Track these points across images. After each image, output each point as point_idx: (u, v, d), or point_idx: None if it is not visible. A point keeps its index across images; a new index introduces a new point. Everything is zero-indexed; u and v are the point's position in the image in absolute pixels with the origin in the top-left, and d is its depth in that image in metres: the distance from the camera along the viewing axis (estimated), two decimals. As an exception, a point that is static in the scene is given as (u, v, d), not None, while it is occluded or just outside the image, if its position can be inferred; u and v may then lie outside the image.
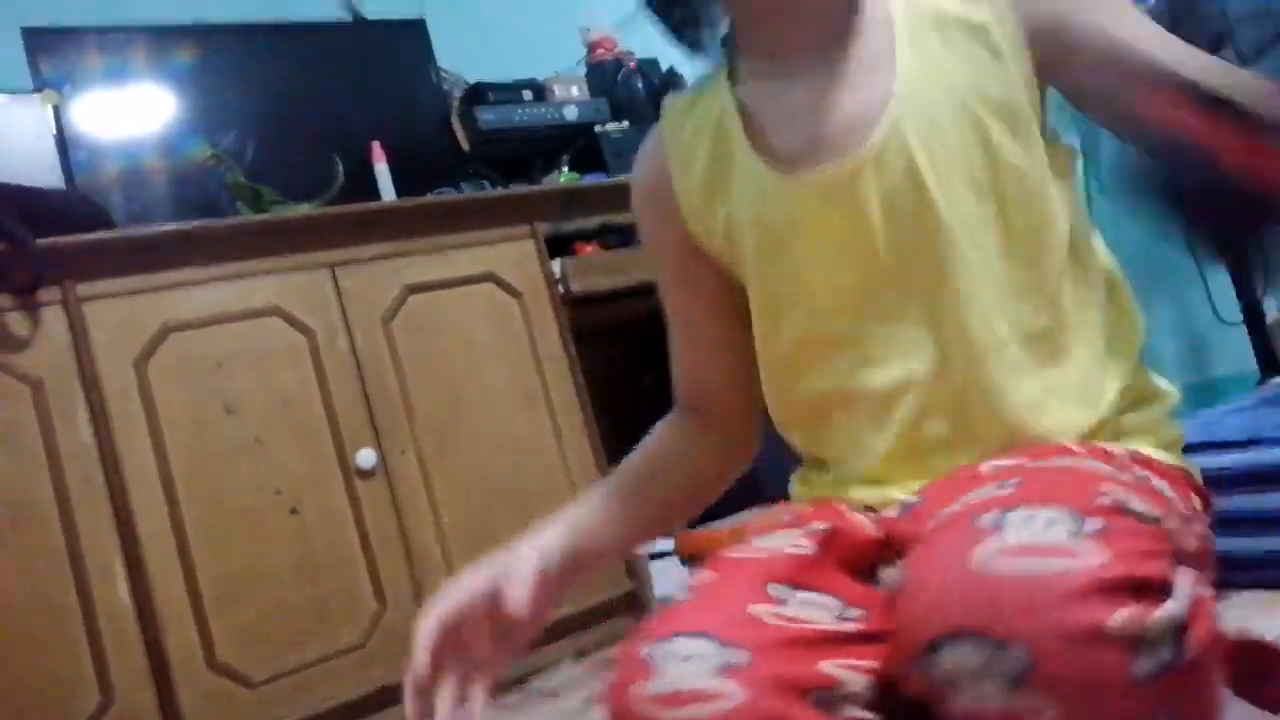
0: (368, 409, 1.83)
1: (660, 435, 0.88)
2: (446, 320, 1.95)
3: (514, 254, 2.06)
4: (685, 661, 0.61)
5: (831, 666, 0.63)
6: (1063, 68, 0.73)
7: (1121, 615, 0.50)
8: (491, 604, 0.76)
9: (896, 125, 0.72)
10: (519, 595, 0.75)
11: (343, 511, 1.76)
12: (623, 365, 2.52)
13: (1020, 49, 0.73)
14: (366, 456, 1.79)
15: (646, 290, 2.34)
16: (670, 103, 0.85)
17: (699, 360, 0.88)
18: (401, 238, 1.95)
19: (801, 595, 0.66)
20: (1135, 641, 0.51)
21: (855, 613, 0.66)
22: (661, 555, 2.09)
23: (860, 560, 0.70)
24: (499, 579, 0.77)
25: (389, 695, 1.75)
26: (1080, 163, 0.78)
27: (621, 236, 2.24)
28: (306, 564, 1.71)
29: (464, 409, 1.93)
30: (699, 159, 0.79)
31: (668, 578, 2.06)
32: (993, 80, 0.73)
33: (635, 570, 2.03)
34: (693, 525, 2.18)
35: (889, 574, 0.70)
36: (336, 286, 1.86)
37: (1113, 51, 0.69)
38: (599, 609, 2.00)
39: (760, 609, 0.65)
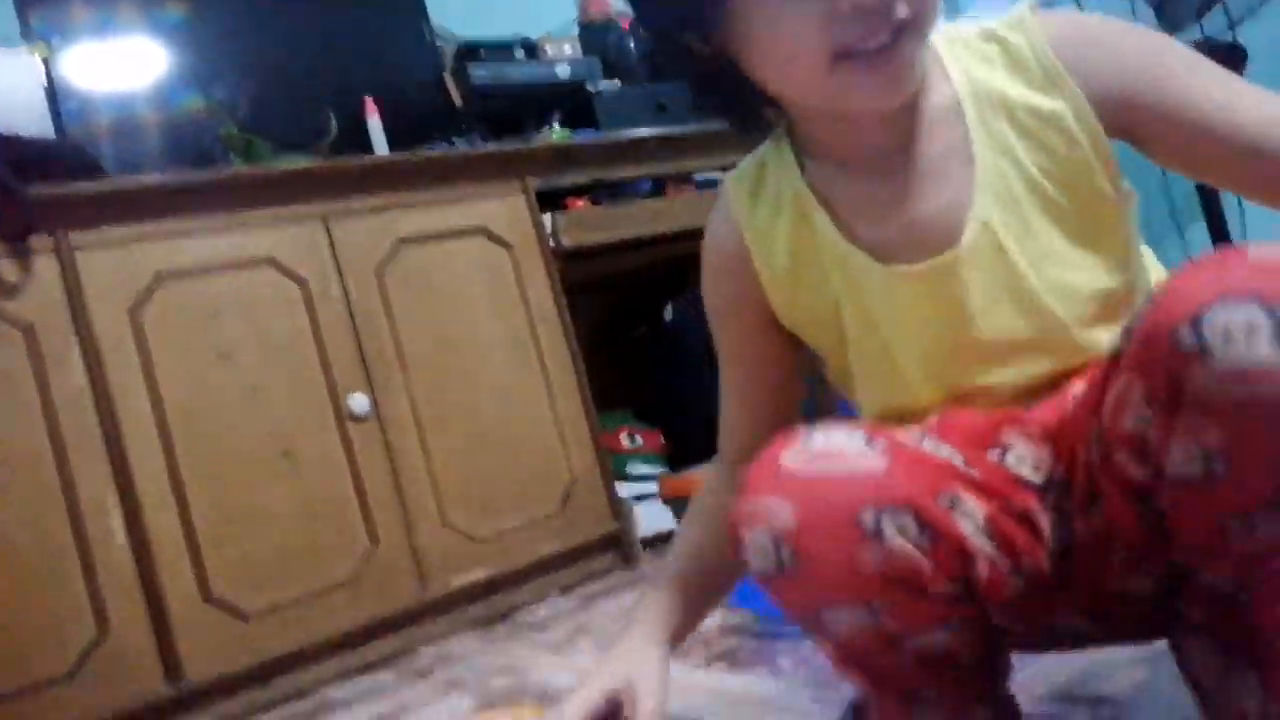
0: (360, 357, 1.85)
1: (715, 501, 0.92)
2: (438, 272, 1.97)
3: (506, 208, 2.07)
4: (834, 434, 0.70)
5: (957, 487, 0.71)
6: (1139, 136, 0.75)
7: None
8: (613, 712, 0.85)
9: (984, 218, 0.75)
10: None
11: (336, 455, 1.79)
12: (612, 318, 2.54)
13: (1095, 129, 0.74)
14: (360, 402, 1.81)
15: (635, 245, 2.37)
16: (735, 181, 0.86)
17: (750, 422, 0.91)
18: (394, 191, 1.96)
19: (931, 440, 0.74)
20: None
21: (974, 470, 0.73)
22: (645, 497, 2.13)
23: (975, 439, 0.76)
24: (626, 695, 0.85)
25: (379, 627, 1.80)
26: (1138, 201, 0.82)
27: (611, 192, 2.26)
28: (300, 504, 1.74)
29: (455, 359, 1.95)
30: (780, 244, 0.82)
31: (651, 518, 2.10)
32: (1068, 167, 0.75)
33: (619, 511, 2.07)
34: (675, 470, 2.21)
35: (1012, 454, 0.77)
36: (330, 238, 1.87)
37: (1202, 125, 0.71)
38: (584, 547, 2.04)
39: (898, 434, 0.73)
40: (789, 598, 0.72)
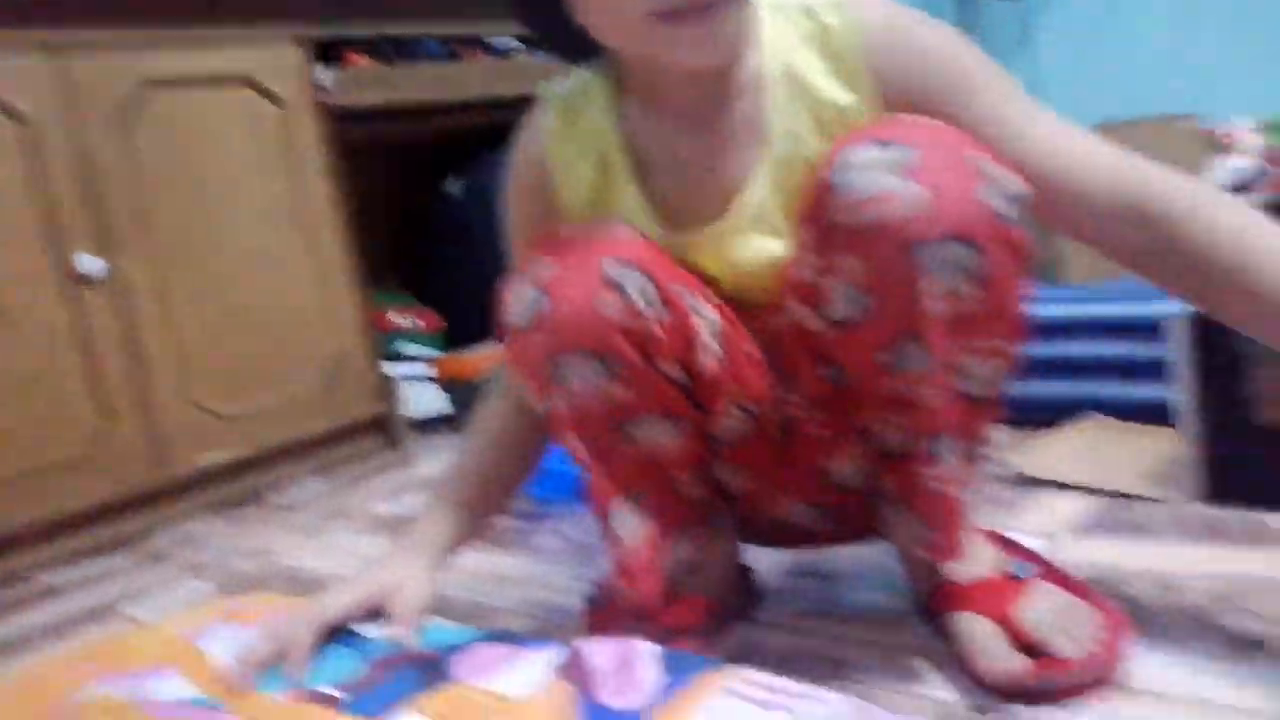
0: (96, 213, 1.66)
1: (500, 422, 0.96)
2: (194, 123, 1.78)
3: (275, 57, 1.88)
4: (615, 225, 0.82)
5: (700, 296, 0.82)
6: None
7: (986, 158, 0.71)
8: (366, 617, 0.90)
9: (759, 197, 0.81)
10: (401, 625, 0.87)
11: (59, 321, 1.61)
12: (391, 188, 2.41)
13: None
14: (91, 263, 1.63)
15: (421, 111, 2.23)
16: (553, 99, 0.88)
17: None
18: (143, 25, 1.74)
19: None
20: (993, 180, 0.70)
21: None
22: (417, 379, 2.07)
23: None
24: (389, 598, 0.89)
25: (109, 510, 1.68)
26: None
27: (397, 50, 2.10)
28: (14, 376, 1.56)
29: (209, 221, 1.78)
30: (583, 180, 0.86)
31: (422, 400, 2.05)
32: None
33: (385, 392, 2.01)
34: (452, 349, 2.16)
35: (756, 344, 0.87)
36: (63, 73, 1.65)
37: (992, 147, 0.75)
38: (347, 428, 1.97)
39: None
40: (536, 344, 0.78)
